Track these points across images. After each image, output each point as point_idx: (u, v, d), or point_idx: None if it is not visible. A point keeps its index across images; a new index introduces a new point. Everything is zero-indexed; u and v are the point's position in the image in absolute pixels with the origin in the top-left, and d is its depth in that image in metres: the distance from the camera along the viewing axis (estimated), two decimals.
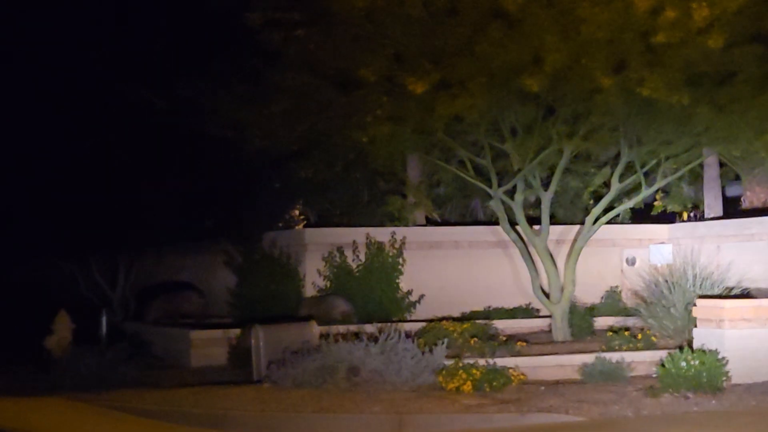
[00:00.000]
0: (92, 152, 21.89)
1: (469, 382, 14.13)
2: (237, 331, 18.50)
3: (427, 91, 15.67)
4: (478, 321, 18.77)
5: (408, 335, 15.83)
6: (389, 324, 17.97)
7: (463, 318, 19.72)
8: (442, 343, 15.46)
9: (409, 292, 20.84)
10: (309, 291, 20.91)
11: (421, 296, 20.85)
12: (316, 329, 16.97)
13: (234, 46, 18.16)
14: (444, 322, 18.36)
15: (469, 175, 19.17)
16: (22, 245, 27.03)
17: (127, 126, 21.47)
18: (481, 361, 14.91)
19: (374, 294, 20.44)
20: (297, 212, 23.69)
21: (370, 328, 17.79)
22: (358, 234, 21.05)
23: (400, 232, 21.25)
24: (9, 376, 18.67)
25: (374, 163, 21.70)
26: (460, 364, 14.62)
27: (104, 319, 21.54)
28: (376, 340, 15.29)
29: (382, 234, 21.14)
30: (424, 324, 18.43)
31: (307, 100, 16.78)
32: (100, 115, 21.61)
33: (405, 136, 17.59)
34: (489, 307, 20.95)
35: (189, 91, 18.09)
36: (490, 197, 19.58)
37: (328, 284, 20.79)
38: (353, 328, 17.84)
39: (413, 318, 20.38)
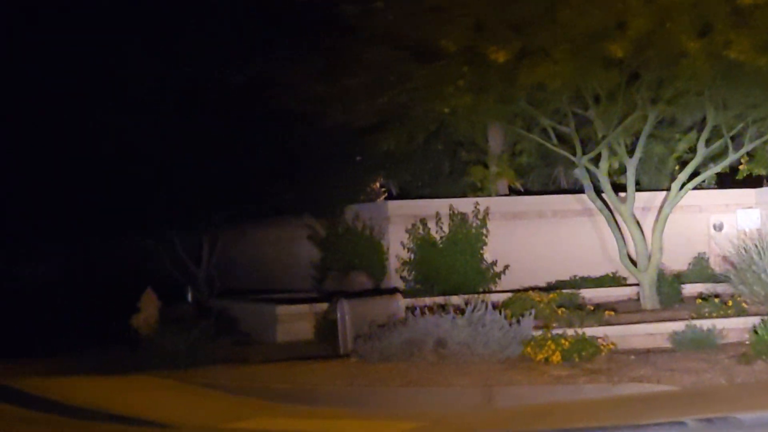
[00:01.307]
0: (175, 130, 21.97)
1: (557, 353, 14.04)
2: (323, 305, 18.55)
3: (509, 60, 15.49)
4: (564, 291, 18.59)
5: (494, 306, 15.69)
6: (474, 295, 17.89)
7: (549, 288, 19.55)
8: (530, 313, 15.35)
9: (494, 263, 20.67)
10: (393, 263, 20.84)
11: (506, 267, 20.67)
12: (401, 302, 16.95)
13: (312, 19, 18.07)
14: (530, 292, 18.22)
15: (553, 144, 18.97)
16: (108, 223, 27.39)
17: (210, 103, 21.52)
18: (569, 331, 14.80)
19: (458, 265, 20.29)
20: (378, 185, 23.61)
21: (455, 299, 17.67)
22: (441, 205, 20.91)
23: (484, 202, 21.07)
24: (99, 355, 18.95)
25: (456, 134, 21.62)
26: (549, 335, 14.53)
27: (190, 296, 21.81)
28: (462, 311, 15.23)
29: (465, 205, 20.99)
30: (509, 295, 18.28)
31: (386, 73, 16.65)
32: (184, 93, 21.69)
33: (487, 106, 17.44)
34: (575, 276, 20.75)
35: (267, 66, 18.06)
36: (574, 165, 19.38)
37: (412, 256, 20.66)
38: (439, 299, 17.72)
39: (498, 289, 20.18)
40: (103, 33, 21.46)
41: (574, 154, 18.54)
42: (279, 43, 18.35)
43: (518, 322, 15.07)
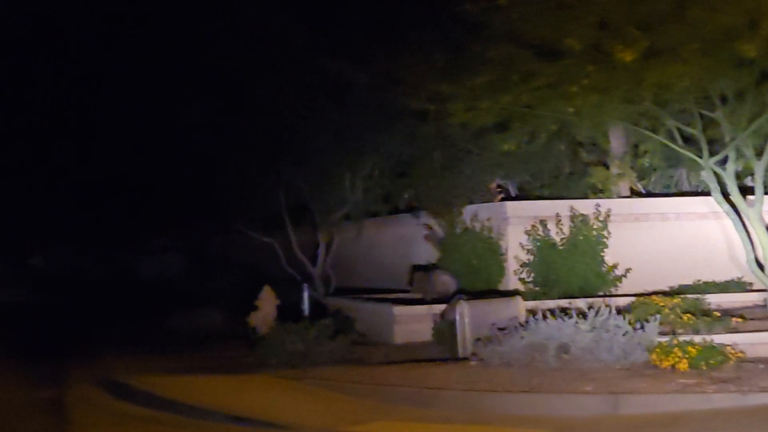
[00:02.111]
0: (295, 128, 22.07)
1: (684, 360, 13.63)
2: (441, 306, 18.36)
3: (636, 60, 15.10)
4: (688, 295, 18.08)
5: (616, 311, 15.31)
6: (595, 299, 17.52)
7: (671, 292, 19.03)
8: (654, 319, 14.96)
9: (614, 266, 20.23)
10: (511, 265, 20.55)
11: (627, 270, 20.21)
12: (521, 305, 16.67)
13: (435, 17, 17.92)
14: (653, 296, 17.75)
15: (678, 145, 18.50)
16: (227, 221, 27.62)
17: (334, 100, 21.58)
18: (696, 338, 14.37)
19: (578, 268, 19.90)
20: (496, 185, 23.33)
21: (575, 303, 17.32)
22: (561, 207, 20.54)
23: (605, 204, 20.62)
24: (217, 353, 19.06)
25: (578, 134, 21.24)
26: (675, 341, 14.12)
27: (306, 295, 21.75)
28: (583, 316, 14.90)
29: (585, 206, 20.57)
30: (630, 299, 17.81)
31: (510, 71, 16.39)
32: (310, 90, 21.78)
33: (612, 106, 17.06)
34: (698, 280, 20.17)
35: (389, 64, 17.99)
36: (699, 167, 18.88)
37: (531, 258, 20.36)
38: (563, 303, 17.38)
39: (619, 293, 19.76)
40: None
41: (701, 156, 18.03)
42: (403, 41, 18.21)
43: (642, 327, 14.70)
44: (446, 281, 20.41)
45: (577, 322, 14.57)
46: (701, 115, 17.86)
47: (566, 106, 16.89)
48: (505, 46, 16.03)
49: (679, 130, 18.28)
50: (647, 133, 19.38)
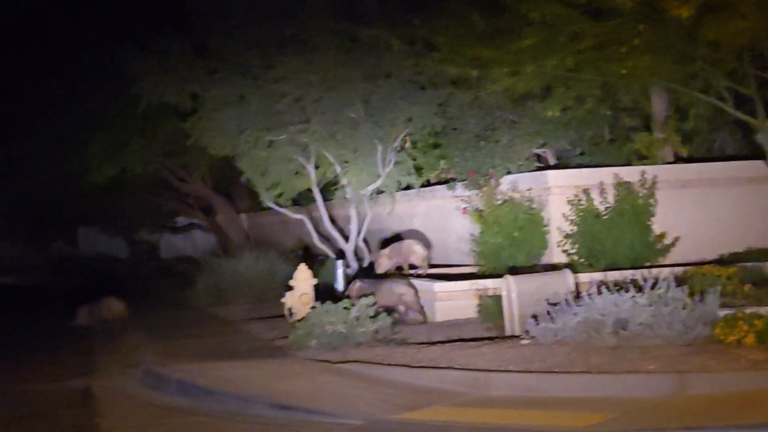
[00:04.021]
0: (317, 98, 21.44)
1: (751, 335, 12.83)
2: (483, 282, 17.65)
3: (691, 16, 14.29)
4: (744, 264, 17.26)
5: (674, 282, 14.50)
6: (643, 270, 16.80)
7: (721, 261, 18.27)
8: (714, 290, 14.13)
9: (663, 235, 19.45)
10: (554, 236, 19.78)
11: (676, 239, 19.44)
12: (571, 278, 15.88)
13: None
14: (705, 266, 16.96)
15: (731, 108, 17.67)
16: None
17: (358, 68, 20.93)
18: (761, 310, 13.57)
19: (625, 238, 19.11)
20: (534, 153, 22.49)
21: (622, 274, 16.52)
22: (605, 174, 19.73)
23: (651, 170, 19.81)
24: (251, 336, 18.44)
25: (623, 99, 20.40)
26: (740, 314, 13.32)
27: (340, 272, 21.12)
28: (638, 288, 14.10)
29: (630, 173, 19.77)
30: (680, 269, 16.96)
31: (556, 33, 15.61)
32: (328, 57, 21.17)
33: (663, 68, 16.24)
34: (749, 248, 19.38)
35: (426, 29, 17.26)
36: (747, 131, 18.10)
37: (574, 229, 19.58)
38: (613, 275, 16.54)
39: (667, 262, 18.97)
40: None
41: (755, 119, 17.21)
42: (440, 4, 17.44)
43: (701, 300, 13.90)
44: (417, 250, 20.11)
45: (633, 296, 13.78)
46: (755, 76, 17.02)
47: (615, 68, 16.06)
48: (551, 6, 15.26)
49: (733, 91, 17.42)
50: (697, 95, 18.55)
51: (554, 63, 16.12)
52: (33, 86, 30.77)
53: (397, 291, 18.04)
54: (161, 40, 24.39)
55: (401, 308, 17.64)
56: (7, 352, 19.23)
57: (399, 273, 20.52)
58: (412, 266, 21.04)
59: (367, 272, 22.05)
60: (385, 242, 23.37)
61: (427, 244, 22.55)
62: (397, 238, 23.60)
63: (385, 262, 21.38)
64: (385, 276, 20.24)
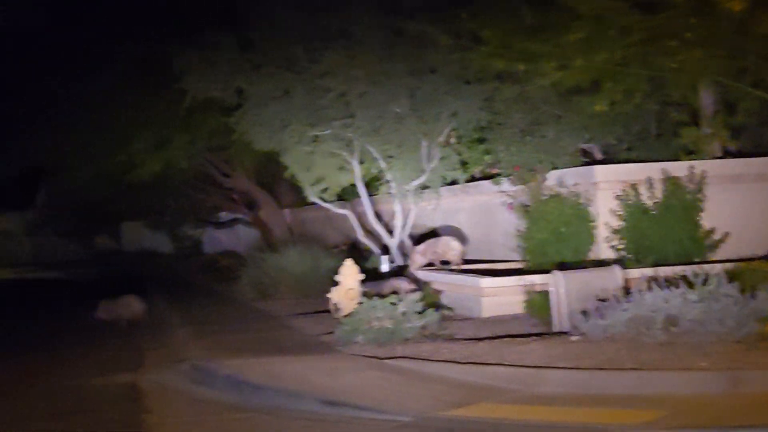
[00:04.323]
0: (362, 92, 21.37)
1: None
2: (530, 277, 17.51)
3: (745, 9, 14.09)
4: None
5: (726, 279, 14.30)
6: (692, 266, 16.54)
7: None
8: (766, 287, 13.91)
9: (712, 231, 19.22)
10: (602, 232, 19.60)
11: (725, 234, 19.20)
12: (620, 274, 15.72)
13: None
14: (755, 262, 16.72)
15: None
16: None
17: (403, 62, 20.85)
18: None
19: (673, 234, 18.89)
20: (580, 148, 22.29)
21: (671, 270, 16.32)
22: (653, 170, 19.50)
23: (699, 165, 19.58)
24: (297, 331, 18.42)
25: (672, 93, 20.16)
26: None
27: (385, 268, 21.06)
28: (689, 284, 13.93)
29: (678, 168, 19.52)
30: (730, 265, 16.75)
31: (606, 27, 15.43)
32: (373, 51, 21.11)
33: (713, 62, 16.04)
34: None
35: (473, 23, 17.16)
36: None
37: (622, 224, 19.39)
38: (663, 270, 16.35)
39: (716, 258, 18.73)
40: None
41: None
42: None
43: (752, 296, 13.70)
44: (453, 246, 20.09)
45: (684, 292, 13.62)
46: None
47: (665, 62, 15.86)
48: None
49: None
50: (748, 89, 18.31)
51: (603, 57, 15.94)
52: (80, 81, 30.83)
53: (397, 287, 18.98)
54: (207, 34, 24.34)
55: None
56: (54, 345, 19.39)
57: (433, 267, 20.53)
58: (444, 262, 21.01)
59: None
60: (420, 238, 23.27)
61: (462, 239, 22.46)
62: (432, 234, 23.55)
63: (419, 259, 21.40)
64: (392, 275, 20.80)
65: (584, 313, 14.36)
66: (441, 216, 25.74)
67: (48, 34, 33.15)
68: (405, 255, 23.53)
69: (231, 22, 24.68)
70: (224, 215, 43.89)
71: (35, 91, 32.46)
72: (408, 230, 23.75)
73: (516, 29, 16.36)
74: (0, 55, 33.52)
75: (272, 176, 36.32)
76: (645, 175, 19.46)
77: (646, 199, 19.35)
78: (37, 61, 31.98)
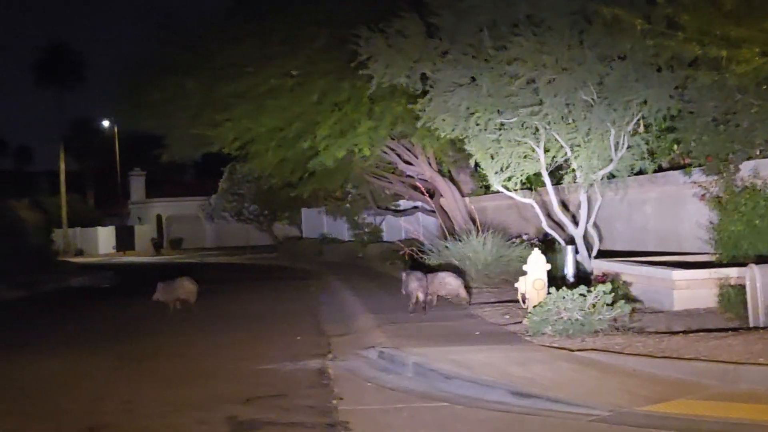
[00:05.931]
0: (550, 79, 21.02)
1: None
2: (724, 270, 16.99)
3: None
4: None
5: None
6: None
7: None
8: None
9: None
10: None
11: None
12: None
13: None
14: None
15: None
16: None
17: (593, 48, 20.41)
18: None
19: None
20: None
21: None
22: None
23: None
24: (480, 320, 18.31)
25: None
26: None
27: (570, 258, 20.74)
28: None
29: None
30: None
31: None
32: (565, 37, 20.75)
33: None
34: None
35: (671, 8, 16.63)
36: None
37: None
38: None
39: None
40: None
41: None
42: None
43: None
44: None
45: None
46: None
47: None
48: None
49: None
50: None
51: None
52: (267, 66, 31.25)
53: (445, 281, 20.62)
54: (394, 20, 24.34)
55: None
56: (253, 326, 19.82)
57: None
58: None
59: (599, 258, 21.69)
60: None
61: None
62: None
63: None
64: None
65: None
66: (627, 207, 25.22)
67: (234, 20, 33.66)
68: (589, 246, 23.06)
69: (419, 8, 24.56)
70: (404, 203, 43.97)
71: (218, 78, 32.97)
72: (593, 220, 23.26)
73: (716, 13, 15.75)
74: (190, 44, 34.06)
75: (453, 164, 36.23)
76: None
77: None
78: (225, 48, 32.44)
